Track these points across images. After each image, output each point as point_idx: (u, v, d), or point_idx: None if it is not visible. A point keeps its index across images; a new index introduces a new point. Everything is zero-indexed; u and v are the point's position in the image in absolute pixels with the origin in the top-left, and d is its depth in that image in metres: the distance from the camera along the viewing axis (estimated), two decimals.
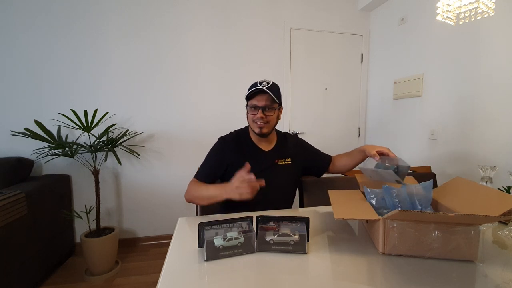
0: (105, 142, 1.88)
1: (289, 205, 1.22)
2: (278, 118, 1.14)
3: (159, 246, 2.21)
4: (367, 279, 0.61)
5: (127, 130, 2.08)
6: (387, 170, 0.89)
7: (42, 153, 1.74)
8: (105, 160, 1.90)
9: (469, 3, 1.05)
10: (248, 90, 1.07)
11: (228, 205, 1.15)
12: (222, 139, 1.16)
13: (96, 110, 1.84)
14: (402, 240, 0.68)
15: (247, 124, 1.18)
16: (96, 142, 1.85)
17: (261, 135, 1.11)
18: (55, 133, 1.89)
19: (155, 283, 0.59)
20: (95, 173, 1.83)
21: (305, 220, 0.73)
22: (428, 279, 0.60)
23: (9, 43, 1.89)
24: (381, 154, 1.02)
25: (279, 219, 0.75)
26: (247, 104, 1.10)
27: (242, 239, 0.70)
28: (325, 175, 1.40)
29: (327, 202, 0.87)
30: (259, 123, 1.07)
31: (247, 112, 1.11)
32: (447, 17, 1.13)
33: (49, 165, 1.93)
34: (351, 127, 2.65)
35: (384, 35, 2.38)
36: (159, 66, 2.15)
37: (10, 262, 1.40)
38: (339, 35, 2.51)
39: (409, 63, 2.10)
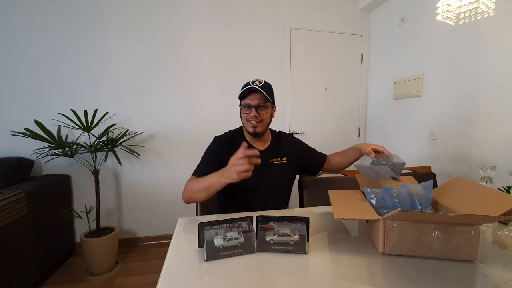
0: (105, 142, 1.88)
1: (285, 204, 1.22)
2: (271, 116, 1.14)
3: (159, 246, 2.21)
4: (367, 279, 0.61)
5: (127, 130, 2.08)
6: (383, 167, 0.90)
7: (42, 153, 1.74)
8: (105, 160, 1.90)
9: (469, 3, 1.05)
10: (241, 90, 1.08)
11: (227, 205, 1.15)
12: (217, 138, 1.16)
13: (96, 110, 1.84)
14: (402, 240, 0.68)
15: (241, 125, 1.18)
16: (96, 142, 1.85)
17: (255, 134, 1.10)
18: (55, 133, 1.89)
19: (155, 283, 0.59)
20: (95, 173, 1.83)
21: (305, 220, 0.73)
22: (428, 279, 0.60)
23: (9, 43, 1.89)
24: (376, 151, 1.02)
25: (279, 219, 0.75)
26: (240, 104, 1.10)
27: (242, 239, 0.70)
28: (325, 175, 1.40)
29: (327, 202, 0.87)
30: (252, 122, 1.06)
31: (241, 112, 1.11)
32: (447, 17, 1.13)
33: (49, 165, 1.93)
34: (351, 127, 2.65)
35: (384, 35, 2.38)
36: (159, 66, 2.15)
37: (10, 262, 1.40)
38: (339, 35, 2.51)
39: (409, 63, 2.10)
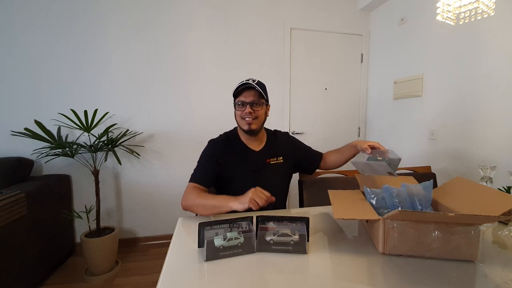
0: (105, 142, 1.88)
1: (283, 203, 1.22)
2: (266, 114, 1.14)
3: (159, 246, 2.21)
4: (367, 279, 0.61)
5: (127, 130, 2.08)
6: (379, 162, 0.90)
7: (42, 153, 1.74)
8: (105, 160, 1.90)
9: (469, 3, 1.05)
10: (235, 88, 1.08)
11: None
12: (212, 142, 1.16)
13: (96, 110, 1.84)
14: (402, 240, 0.68)
15: (235, 126, 1.18)
16: (96, 142, 1.85)
17: (250, 132, 1.09)
18: (55, 133, 1.89)
19: (155, 283, 0.59)
20: (95, 173, 1.83)
21: (305, 220, 0.73)
22: (428, 279, 0.60)
23: (9, 43, 1.89)
24: (372, 148, 1.03)
25: (279, 219, 0.75)
26: (234, 103, 1.10)
27: (242, 239, 0.70)
28: (325, 175, 1.40)
29: (327, 202, 0.87)
30: (247, 119, 1.06)
31: (235, 110, 1.11)
32: (447, 17, 1.13)
33: (49, 165, 1.93)
34: (351, 127, 2.65)
35: (384, 35, 2.38)
36: (159, 66, 2.15)
37: (10, 262, 1.40)
38: (339, 35, 2.51)
39: (409, 63, 2.10)
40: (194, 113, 2.24)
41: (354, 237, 0.82)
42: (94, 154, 1.81)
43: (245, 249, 0.70)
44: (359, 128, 2.66)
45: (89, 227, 1.84)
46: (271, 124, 1.36)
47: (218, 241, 0.68)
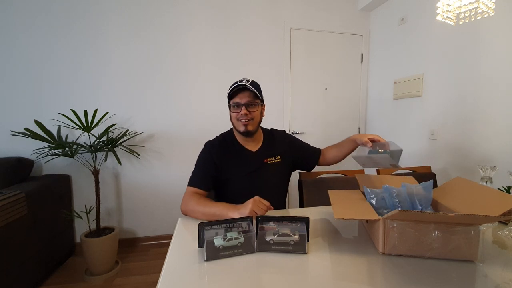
0: (105, 142, 1.88)
1: (283, 203, 1.22)
2: (261, 115, 1.13)
3: (159, 246, 2.21)
4: (367, 279, 0.61)
5: (127, 130, 2.08)
6: (382, 155, 0.89)
7: (42, 153, 1.74)
8: (105, 160, 1.90)
9: (469, 3, 1.05)
10: (229, 89, 1.06)
11: None
12: (209, 144, 1.15)
13: (96, 110, 1.84)
14: (402, 240, 0.68)
15: (231, 127, 1.16)
16: (96, 142, 1.85)
17: (246, 133, 1.08)
18: (55, 133, 1.89)
19: (155, 283, 0.59)
20: (95, 173, 1.83)
21: (305, 220, 0.73)
22: (428, 279, 0.60)
23: (9, 43, 1.89)
24: (372, 141, 1.02)
25: (279, 219, 0.75)
26: (229, 104, 1.09)
27: (242, 239, 0.70)
28: (325, 175, 1.40)
29: (327, 202, 0.87)
30: (243, 120, 1.05)
31: (230, 112, 1.09)
32: (447, 17, 1.13)
33: (49, 165, 1.93)
34: (351, 127, 2.65)
35: (384, 35, 2.38)
36: (159, 66, 2.15)
37: (10, 262, 1.40)
38: (339, 35, 2.51)
39: (409, 63, 2.10)
40: (194, 113, 2.24)
41: (354, 237, 0.82)
42: (94, 154, 1.81)
43: (245, 249, 0.70)
44: (359, 128, 2.66)
45: (89, 227, 1.84)
46: (271, 124, 1.35)
47: (218, 241, 0.68)
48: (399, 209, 0.76)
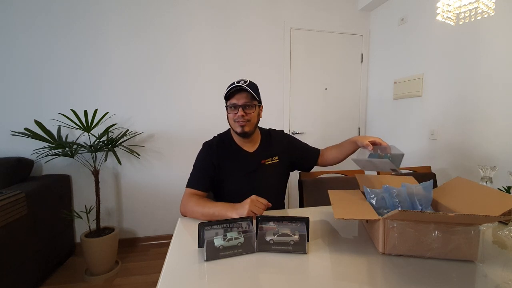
0: (105, 142, 1.88)
1: (282, 203, 1.21)
2: (259, 116, 1.12)
3: (159, 246, 2.21)
4: (367, 279, 0.61)
5: (127, 130, 2.08)
6: (382, 160, 0.89)
7: (42, 153, 1.74)
8: (105, 160, 1.90)
9: (469, 3, 1.05)
10: (226, 90, 1.06)
11: None
12: (206, 144, 1.15)
13: (96, 110, 1.84)
14: (402, 240, 0.68)
15: (229, 128, 1.16)
16: (96, 142, 1.85)
17: (244, 135, 1.07)
18: (55, 133, 1.89)
19: (155, 283, 0.59)
20: (95, 173, 1.83)
21: (305, 220, 0.73)
22: (428, 279, 0.60)
23: (9, 43, 1.89)
24: (373, 143, 1.01)
25: (279, 219, 0.75)
26: (226, 105, 1.08)
27: (242, 239, 0.70)
28: (325, 175, 1.40)
29: (327, 202, 0.87)
30: (240, 122, 1.04)
31: (227, 113, 1.09)
32: (447, 17, 1.13)
33: (49, 165, 1.93)
34: (351, 127, 2.65)
35: (384, 35, 2.38)
36: (159, 66, 2.15)
37: (10, 262, 1.40)
38: (339, 35, 2.51)
39: (409, 63, 2.10)
40: (194, 113, 2.24)
41: (354, 237, 0.82)
42: (94, 154, 1.81)
43: (245, 249, 0.70)
44: (359, 128, 2.66)
45: (89, 227, 1.84)
46: (271, 124, 1.35)
47: (218, 241, 0.68)
48: (399, 209, 0.76)
